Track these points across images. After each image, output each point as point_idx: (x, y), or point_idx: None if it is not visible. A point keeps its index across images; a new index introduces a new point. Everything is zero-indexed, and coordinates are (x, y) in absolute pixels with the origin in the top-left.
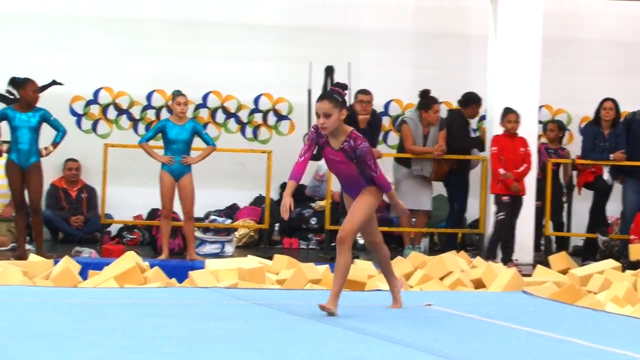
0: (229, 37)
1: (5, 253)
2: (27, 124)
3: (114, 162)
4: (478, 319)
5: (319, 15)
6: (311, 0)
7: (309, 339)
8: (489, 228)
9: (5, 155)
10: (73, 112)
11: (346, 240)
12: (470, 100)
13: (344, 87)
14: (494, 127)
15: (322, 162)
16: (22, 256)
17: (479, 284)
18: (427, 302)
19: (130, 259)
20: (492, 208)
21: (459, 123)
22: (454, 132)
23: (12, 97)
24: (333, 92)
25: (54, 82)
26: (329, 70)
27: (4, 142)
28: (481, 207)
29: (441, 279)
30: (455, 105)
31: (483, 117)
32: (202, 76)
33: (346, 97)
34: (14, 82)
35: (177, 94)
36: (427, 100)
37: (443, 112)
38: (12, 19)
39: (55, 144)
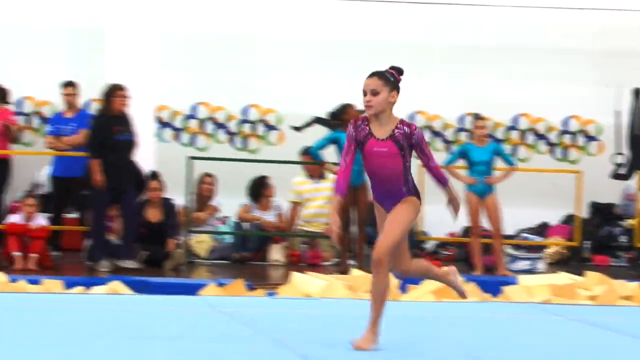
0: (537, 60)
1: (329, 268)
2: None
3: (429, 182)
4: None
5: (628, 38)
6: (621, 23)
7: (624, 356)
8: None
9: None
10: None
11: (383, 262)
12: None
13: (400, 71)
14: None
15: (632, 181)
16: (344, 271)
17: None
18: None
19: None
20: None
21: None
22: None
23: (333, 121)
24: (386, 71)
25: None
26: (637, 93)
27: (334, 164)
28: None
29: None
30: None
31: None
32: (512, 99)
33: (400, 84)
34: (333, 115)
35: (476, 118)
36: None
37: None
38: (327, 47)
39: None
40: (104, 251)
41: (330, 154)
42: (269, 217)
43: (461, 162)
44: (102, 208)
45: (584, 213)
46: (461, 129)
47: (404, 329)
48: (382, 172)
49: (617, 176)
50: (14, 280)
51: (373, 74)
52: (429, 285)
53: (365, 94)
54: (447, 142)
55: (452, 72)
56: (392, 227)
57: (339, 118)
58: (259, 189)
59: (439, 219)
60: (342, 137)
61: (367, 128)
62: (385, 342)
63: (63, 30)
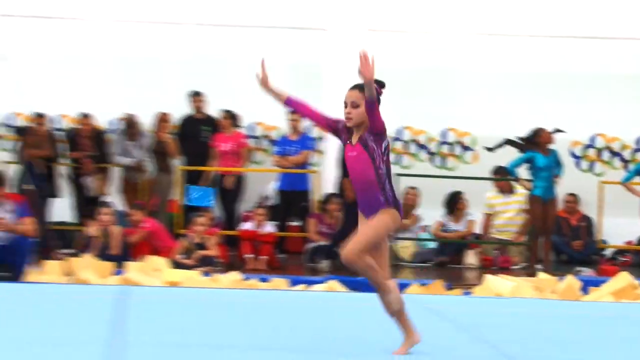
0: None
1: (518, 271)
2: (547, 164)
3: (609, 196)
4: None
5: None
6: None
7: None
8: None
9: (527, 191)
10: (573, 155)
11: (353, 262)
12: None
13: (382, 84)
14: None
15: None
16: (532, 274)
17: None
18: None
19: (624, 279)
20: None
21: None
22: None
23: (522, 143)
24: None
25: (558, 130)
26: None
27: (528, 180)
28: None
29: None
30: None
31: None
32: None
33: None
34: (527, 138)
35: None
36: None
37: None
38: (515, 78)
39: (557, 176)
40: (330, 255)
41: (523, 172)
42: (459, 227)
43: (638, 179)
44: (351, 219)
45: None
46: (638, 150)
47: (585, 329)
48: (356, 178)
49: None
50: (247, 279)
51: (354, 87)
52: (609, 286)
53: (345, 106)
54: (625, 162)
55: (631, 97)
56: (363, 229)
57: (532, 141)
58: (454, 203)
59: (617, 228)
60: (536, 157)
61: (347, 135)
62: (567, 341)
63: (286, 66)
